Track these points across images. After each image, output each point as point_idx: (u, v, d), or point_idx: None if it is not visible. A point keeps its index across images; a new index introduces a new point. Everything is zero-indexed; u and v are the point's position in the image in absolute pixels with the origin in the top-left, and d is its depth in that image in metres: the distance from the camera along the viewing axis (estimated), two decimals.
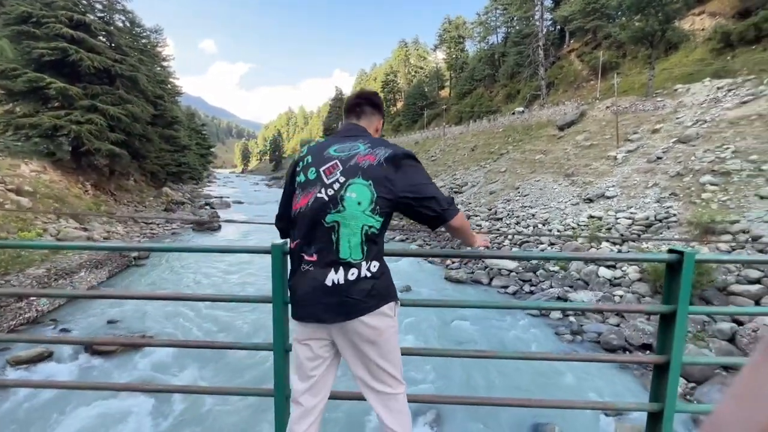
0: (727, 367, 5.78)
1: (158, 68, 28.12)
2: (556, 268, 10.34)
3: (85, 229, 12.89)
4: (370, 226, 1.16)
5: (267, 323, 1.58)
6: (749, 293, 7.12)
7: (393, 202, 1.19)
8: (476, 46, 50.43)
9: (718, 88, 16.69)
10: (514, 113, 30.37)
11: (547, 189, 16.30)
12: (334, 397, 1.72)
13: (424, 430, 4.89)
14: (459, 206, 1.46)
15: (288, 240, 1.42)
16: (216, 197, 34.62)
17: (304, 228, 1.19)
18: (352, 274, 1.15)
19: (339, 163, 1.19)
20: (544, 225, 13.20)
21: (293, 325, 1.32)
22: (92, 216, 13.97)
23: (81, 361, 6.41)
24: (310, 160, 1.24)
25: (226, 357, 6.42)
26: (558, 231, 12.60)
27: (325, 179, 1.18)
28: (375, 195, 1.15)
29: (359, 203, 1.14)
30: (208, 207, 27.82)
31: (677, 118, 16.24)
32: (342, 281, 1.15)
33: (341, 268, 1.15)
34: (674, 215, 10.58)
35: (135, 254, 12.23)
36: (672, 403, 1.38)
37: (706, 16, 25.09)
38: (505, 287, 10.30)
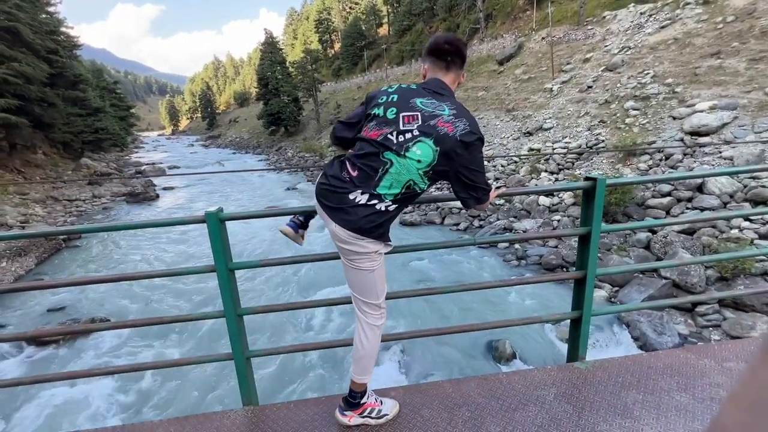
0: (642, 271, 6.80)
1: (44, 16, 23.43)
2: (501, 201, 10.99)
3: None
4: (415, 183, 1.26)
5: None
6: (662, 205, 8.15)
7: (446, 174, 1.29)
8: None
9: (641, 14, 17.38)
10: None
11: (490, 126, 16.73)
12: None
13: (394, 364, 5.32)
14: None
15: (221, 209, 1.56)
16: (147, 164, 31.63)
17: (364, 150, 1.28)
18: (372, 202, 1.27)
19: (420, 117, 1.25)
20: (488, 162, 13.72)
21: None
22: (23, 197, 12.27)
23: (25, 354, 6.01)
24: (395, 99, 1.30)
25: (183, 329, 6.34)
26: (502, 166, 13.21)
27: (401, 125, 1.25)
28: (435, 162, 1.23)
29: (419, 161, 1.23)
30: (140, 176, 25.45)
31: (605, 46, 16.91)
32: (361, 203, 1.26)
33: (368, 195, 1.26)
34: (603, 141, 11.46)
35: (64, 236, 11.13)
36: (588, 309, 1.61)
37: None
38: (457, 224, 10.86)
